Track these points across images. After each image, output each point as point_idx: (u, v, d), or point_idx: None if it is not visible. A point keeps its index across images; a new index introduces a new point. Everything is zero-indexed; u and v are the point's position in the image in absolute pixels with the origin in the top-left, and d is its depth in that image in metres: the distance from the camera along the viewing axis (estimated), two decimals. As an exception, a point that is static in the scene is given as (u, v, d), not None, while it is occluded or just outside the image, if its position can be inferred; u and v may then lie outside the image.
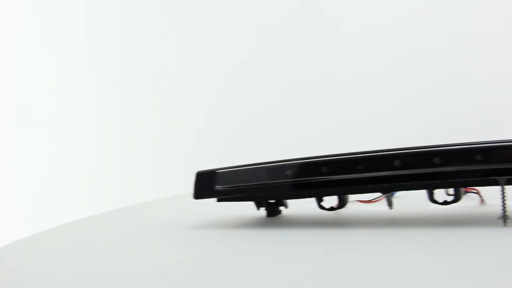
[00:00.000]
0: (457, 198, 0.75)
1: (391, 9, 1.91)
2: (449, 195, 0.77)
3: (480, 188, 0.90)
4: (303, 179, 0.77)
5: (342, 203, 0.82)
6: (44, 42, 2.40)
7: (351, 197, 0.86)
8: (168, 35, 2.23)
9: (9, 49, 2.48)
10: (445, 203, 0.76)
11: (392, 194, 0.90)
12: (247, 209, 0.91)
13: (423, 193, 0.75)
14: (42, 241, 0.84)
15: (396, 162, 0.71)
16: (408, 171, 0.71)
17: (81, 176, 2.32)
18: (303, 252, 0.63)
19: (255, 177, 0.81)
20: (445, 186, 0.74)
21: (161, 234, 0.83)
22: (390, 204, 0.80)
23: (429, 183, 0.72)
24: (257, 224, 0.86)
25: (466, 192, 0.94)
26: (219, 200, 0.86)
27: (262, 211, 0.92)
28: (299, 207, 0.92)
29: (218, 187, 0.83)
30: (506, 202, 0.70)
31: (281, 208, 0.93)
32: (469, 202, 0.91)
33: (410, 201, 0.92)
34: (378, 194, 0.87)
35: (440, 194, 0.76)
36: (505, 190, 0.70)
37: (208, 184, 0.84)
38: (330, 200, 0.82)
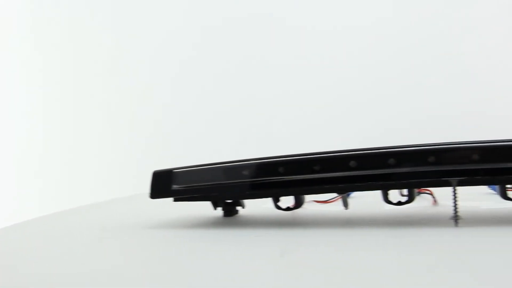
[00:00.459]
0: (410, 199, 0.76)
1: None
2: (403, 195, 0.79)
3: (433, 189, 0.92)
4: (260, 179, 0.78)
5: (298, 203, 0.82)
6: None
7: (308, 197, 0.86)
8: (122, 32, 2.21)
9: None
10: (399, 203, 0.77)
11: (348, 195, 0.92)
12: (204, 209, 0.91)
13: (378, 193, 0.76)
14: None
15: (352, 163, 0.72)
16: (363, 172, 0.72)
17: (31, 175, 2.28)
18: (259, 252, 0.63)
19: (212, 177, 0.81)
20: (399, 187, 0.76)
21: (115, 234, 0.82)
22: (345, 204, 0.81)
23: (383, 183, 0.73)
24: (213, 224, 0.86)
25: (420, 193, 0.96)
26: (175, 200, 0.86)
27: (219, 211, 0.92)
28: (256, 207, 0.93)
29: (175, 186, 0.82)
30: (457, 203, 0.71)
31: (238, 208, 0.93)
32: (422, 202, 0.93)
33: (366, 201, 0.93)
34: (334, 195, 0.88)
35: (394, 194, 0.77)
36: (457, 191, 0.71)
37: (165, 184, 0.83)
38: (287, 200, 0.82)
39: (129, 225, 0.89)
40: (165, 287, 0.50)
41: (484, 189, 0.95)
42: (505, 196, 0.75)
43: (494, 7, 1.81)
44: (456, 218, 0.71)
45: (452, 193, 0.71)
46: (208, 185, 0.81)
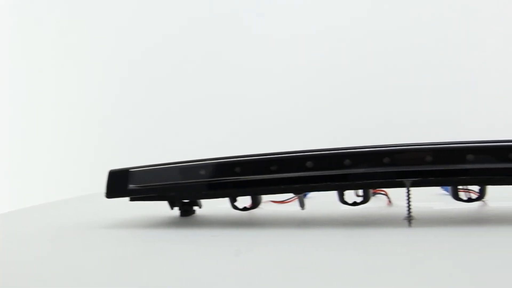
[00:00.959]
0: (365, 199, 0.77)
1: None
2: (358, 196, 0.80)
3: (388, 190, 0.93)
4: (217, 179, 0.77)
5: (255, 204, 0.83)
6: None
7: (265, 198, 0.87)
8: (88, 30, 2.18)
9: None
10: (355, 204, 0.78)
11: (305, 195, 0.92)
12: (161, 208, 0.90)
13: (334, 194, 0.77)
14: None
15: (309, 164, 0.73)
16: (319, 172, 0.72)
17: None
18: (214, 252, 0.63)
19: (169, 176, 0.80)
20: (354, 187, 0.77)
21: (69, 235, 0.81)
22: (302, 204, 0.82)
23: (339, 184, 0.74)
24: (170, 224, 0.85)
25: (375, 193, 0.97)
26: (132, 200, 0.85)
27: (176, 211, 0.91)
28: (213, 207, 0.92)
29: (131, 186, 0.81)
30: (411, 203, 0.73)
31: (195, 208, 0.93)
32: (377, 203, 0.94)
33: (322, 201, 0.94)
34: (291, 195, 0.88)
35: (350, 195, 0.78)
36: (411, 192, 0.72)
37: (121, 183, 0.82)
38: (244, 200, 0.82)
39: (84, 225, 0.87)
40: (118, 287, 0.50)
41: (437, 190, 0.96)
42: (456, 197, 0.76)
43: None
44: (409, 219, 0.73)
45: (406, 194, 0.73)
46: (164, 184, 0.80)
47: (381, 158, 0.70)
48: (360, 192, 0.78)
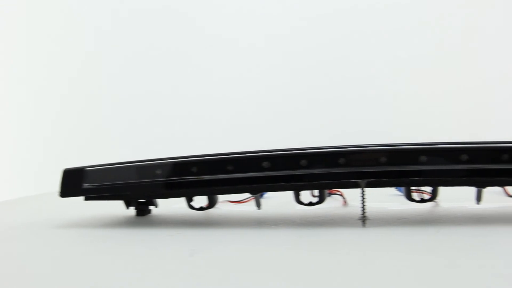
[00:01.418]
0: (321, 200, 0.78)
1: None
2: (314, 196, 0.80)
3: (343, 190, 0.94)
4: (173, 178, 0.77)
5: (212, 203, 0.83)
6: None
7: (221, 197, 0.87)
8: (36, 32, 2.13)
9: None
10: (310, 204, 0.78)
11: (262, 195, 0.93)
12: (116, 208, 0.89)
13: (290, 194, 0.78)
14: None
15: (265, 164, 0.73)
16: (275, 172, 0.73)
17: None
18: (169, 252, 0.63)
19: (125, 175, 0.79)
20: (310, 187, 0.77)
21: (22, 234, 0.79)
22: (258, 204, 0.82)
23: (295, 184, 0.75)
24: (125, 223, 0.85)
25: (331, 194, 0.98)
26: (86, 199, 0.84)
27: (132, 211, 0.90)
28: (169, 206, 0.92)
29: (86, 185, 0.80)
30: (365, 204, 0.74)
31: (151, 207, 0.92)
32: (333, 203, 0.95)
33: (278, 202, 0.94)
34: (248, 195, 0.89)
35: (306, 195, 0.78)
36: (365, 193, 0.73)
37: (76, 182, 0.81)
38: (201, 200, 0.82)
39: (37, 224, 0.86)
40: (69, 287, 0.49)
41: (392, 190, 0.98)
42: (410, 198, 0.78)
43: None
44: (363, 219, 0.74)
45: (361, 195, 0.74)
46: (120, 184, 0.79)
47: (336, 159, 0.71)
48: (316, 192, 0.79)
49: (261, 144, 0.79)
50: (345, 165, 0.71)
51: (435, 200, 0.79)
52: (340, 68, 1.89)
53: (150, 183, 0.78)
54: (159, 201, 0.91)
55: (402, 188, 0.80)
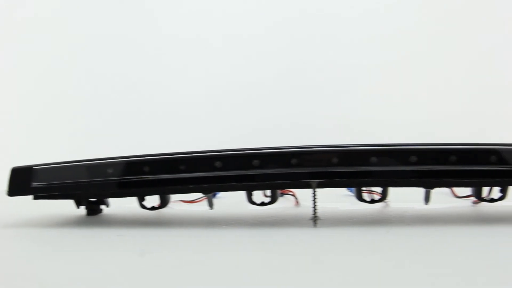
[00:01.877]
0: (273, 200, 0.78)
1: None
2: (266, 196, 0.81)
3: (295, 190, 0.95)
4: (125, 177, 0.76)
5: (164, 203, 0.82)
6: None
7: (174, 197, 0.86)
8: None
9: None
10: (263, 204, 0.79)
11: (214, 195, 0.92)
12: (66, 207, 0.88)
13: (243, 194, 0.78)
14: None
15: (217, 163, 0.73)
16: (228, 172, 0.73)
17: None
18: (118, 252, 0.62)
19: (75, 174, 0.78)
20: (262, 188, 0.78)
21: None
22: (211, 204, 0.82)
23: (247, 184, 0.75)
24: (75, 223, 0.83)
25: (283, 194, 0.99)
26: (35, 198, 0.82)
27: (82, 210, 0.89)
28: (121, 206, 0.91)
29: (35, 184, 0.79)
30: (316, 204, 0.74)
31: (102, 207, 0.91)
32: (285, 203, 0.95)
33: (231, 202, 0.94)
34: (200, 195, 0.88)
35: (258, 195, 0.79)
36: (316, 193, 0.74)
37: (24, 181, 0.79)
38: (153, 200, 0.81)
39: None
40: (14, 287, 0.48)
41: (343, 191, 0.99)
42: (360, 198, 0.79)
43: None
44: (315, 219, 0.74)
45: (312, 195, 0.74)
46: (70, 183, 0.78)
47: (288, 159, 0.71)
48: (268, 192, 0.79)
49: (215, 144, 0.79)
50: (297, 165, 0.71)
51: (385, 200, 0.80)
52: (297, 67, 1.90)
53: (101, 182, 0.77)
54: (111, 201, 0.90)
55: (353, 189, 0.81)
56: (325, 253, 0.59)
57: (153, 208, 0.83)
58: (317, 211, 0.74)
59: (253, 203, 0.78)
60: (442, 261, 0.54)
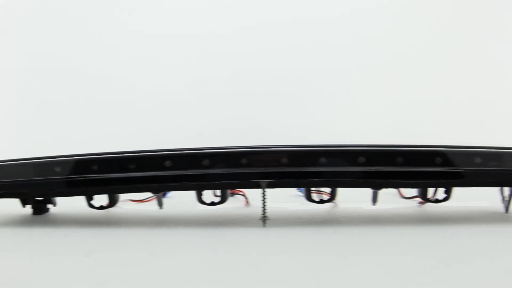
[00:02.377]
0: (223, 200, 0.78)
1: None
2: (216, 196, 0.81)
3: (246, 190, 0.95)
4: (73, 176, 0.75)
5: (112, 202, 0.81)
6: None
7: (123, 196, 0.85)
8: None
9: None
10: (212, 204, 0.79)
11: (165, 195, 0.92)
12: (12, 206, 0.86)
13: (193, 194, 0.77)
14: None
15: (167, 163, 0.72)
16: (177, 172, 0.73)
17: None
18: (64, 252, 0.61)
19: (21, 172, 0.76)
20: (212, 187, 0.78)
21: None
22: (160, 204, 0.81)
23: (197, 184, 0.74)
24: (20, 222, 0.81)
25: (233, 193, 0.99)
26: (-21, 197, 0.80)
27: (28, 209, 0.87)
28: (69, 205, 0.89)
29: (-22, 182, 0.77)
30: (266, 204, 0.75)
31: (49, 206, 0.89)
32: (235, 203, 0.96)
33: (180, 201, 0.94)
34: (150, 194, 0.88)
35: (208, 195, 0.79)
36: (266, 193, 0.74)
37: (-33, 179, 0.77)
38: (102, 199, 0.80)
39: None
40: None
41: (293, 191, 1.00)
42: (310, 199, 0.79)
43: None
44: (264, 219, 0.75)
45: (262, 195, 0.75)
46: (16, 181, 0.76)
47: (238, 159, 0.72)
48: (218, 192, 0.79)
49: (165, 143, 0.78)
50: (247, 165, 0.72)
51: (334, 201, 0.81)
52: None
53: (49, 181, 0.75)
54: (58, 200, 0.89)
55: (303, 189, 0.82)
56: (274, 253, 0.59)
57: (101, 208, 0.81)
58: (266, 211, 0.75)
59: (203, 202, 0.78)
60: (388, 261, 0.55)
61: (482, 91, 1.80)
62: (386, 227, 0.74)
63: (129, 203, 0.94)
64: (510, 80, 1.83)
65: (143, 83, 1.91)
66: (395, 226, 0.74)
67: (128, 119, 1.90)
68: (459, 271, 0.50)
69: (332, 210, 0.89)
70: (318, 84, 1.88)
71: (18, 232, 0.74)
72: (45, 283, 0.47)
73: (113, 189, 0.77)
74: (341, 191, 0.79)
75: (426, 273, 0.50)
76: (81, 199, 0.81)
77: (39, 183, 0.76)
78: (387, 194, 0.86)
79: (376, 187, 0.76)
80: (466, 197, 0.87)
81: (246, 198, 0.97)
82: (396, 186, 0.83)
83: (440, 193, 0.81)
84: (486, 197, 0.88)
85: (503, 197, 0.83)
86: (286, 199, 0.99)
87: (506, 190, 0.82)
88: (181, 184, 0.73)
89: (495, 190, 0.82)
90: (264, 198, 0.75)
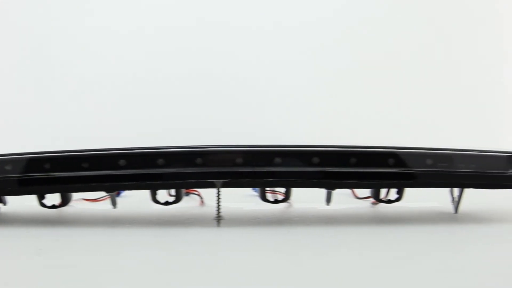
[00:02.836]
0: (178, 199, 0.78)
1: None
2: (171, 195, 0.80)
3: (201, 190, 0.95)
4: (24, 175, 0.73)
5: (65, 201, 0.80)
6: None
7: (76, 195, 0.84)
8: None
9: None
10: (167, 203, 0.78)
11: (119, 194, 0.91)
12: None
13: (147, 193, 0.77)
14: None
15: (121, 162, 0.72)
16: (132, 171, 0.72)
17: None
18: (14, 251, 0.60)
19: (-31, 170, 0.75)
20: (166, 187, 0.77)
21: None
22: (114, 203, 0.80)
23: (151, 183, 0.74)
24: (-32, 222, 0.80)
25: (188, 193, 0.98)
26: None
27: (-24, 208, 0.85)
28: (19, 204, 0.88)
29: None
30: (220, 204, 0.75)
31: (-1, 205, 0.87)
32: (190, 203, 0.95)
33: (135, 201, 0.93)
34: (104, 193, 0.87)
35: (163, 195, 0.78)
36: (221, 193, 0.75)
37: None
38: (54, 198, 0.79)
39: None
40: None
41: (248, 191, 1.00)
42: (264, 198, 0.80)
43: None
44: (218, 219, 0.75)
45: (216, 195, 0.75)
46: (-36, 179, 0.74)
47: (193, 159, 0.72)
48: (173, 191, 0.79)
49: (121, 142, 0.78)
50: (202, 165, 0.72)
51: (288, 201, 0.81)
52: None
53: (-2, 180, 0.74)
54: (8, 198, 0.87)
55: (258, 189, 0.82)
56: (227, 253, 0.59)
57: (53, 207, 0.80)
58: (221, 210, 0.75)
59: (157, 202, 0.77)
60: (340, 260, 0.55)
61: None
62: (340, 227, 0.75)
63: (82, 202, 0.93)
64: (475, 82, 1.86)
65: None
66: (348, 226, 0.75)
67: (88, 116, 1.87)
68: (410, 270, 0.52)
69: (286, 210, 0.90)
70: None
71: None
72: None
73: (66, 188, 0.76)
74: (295, 191, 0.80)
75: (377, 273, 0.50)
76: (33, 198, 0.80)
77: (-12, 182, 0.74)
78: (341, 195, 0.88)
79: (330, 187, 0.77)
80: (417, 198, 0.88)
81: (201, 198, 0.97)
82: (350, 186, 0.84)
83: (393, 193, 0.82)
84: (437, 198, 0.90)
85: (453, 198, 0.85)
86: (240, 199, 0.99)
87: (456, 191, 0.84)
88: (135, 183, 0.73)
89: (445, 191, 0.84)
90: (219, 198, 0.75)
